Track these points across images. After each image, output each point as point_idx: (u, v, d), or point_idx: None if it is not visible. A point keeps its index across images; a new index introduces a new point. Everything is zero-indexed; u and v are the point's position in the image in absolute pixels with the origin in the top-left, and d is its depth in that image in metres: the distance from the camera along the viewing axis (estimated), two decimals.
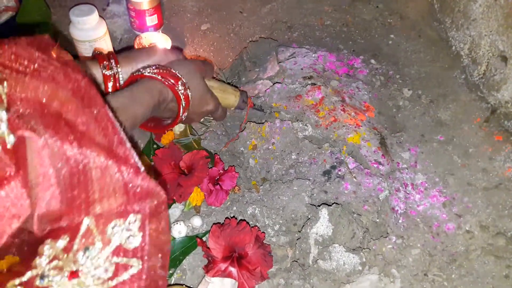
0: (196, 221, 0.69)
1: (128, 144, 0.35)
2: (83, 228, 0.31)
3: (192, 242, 0.66)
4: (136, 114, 0.50)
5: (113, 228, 0.32)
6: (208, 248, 0.61)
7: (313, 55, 0.91)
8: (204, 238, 0.66)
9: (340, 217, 0.67)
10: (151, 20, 0.95)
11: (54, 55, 0.37)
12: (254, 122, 0.79)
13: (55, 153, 0.30)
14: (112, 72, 0.56)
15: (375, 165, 0.74)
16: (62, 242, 0.31)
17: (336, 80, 0.87)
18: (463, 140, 0.82)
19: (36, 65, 0.35)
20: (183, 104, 0.56)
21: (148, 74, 0.54)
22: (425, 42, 1.04)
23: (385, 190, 0.71)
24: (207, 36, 1.03)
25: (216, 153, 0.77)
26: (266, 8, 1.13)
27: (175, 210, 0.69)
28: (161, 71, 0.55)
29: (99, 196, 0.32)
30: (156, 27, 0.98)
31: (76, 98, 0.35)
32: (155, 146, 0.80)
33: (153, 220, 0.34)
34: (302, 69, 0.87)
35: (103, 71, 0.56)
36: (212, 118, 0.69)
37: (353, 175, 0.72)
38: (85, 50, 0.85)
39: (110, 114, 0.36)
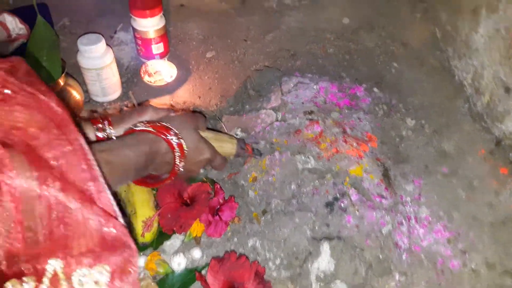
0: (196, 253, 0.66)
1: (102, 182, 0.33)
2: (49, 272, 0.28)
3: (191, 275, 0.63)
4: (127, 158, 0.48)
5: (80, 278, 0.29)
6: (207, 283, 0.58)
7: (315, 87, 0.89)
8: (203, 271, 0.63)
9: (342, 252, 0.64)
10: (157, 48, 0.95)
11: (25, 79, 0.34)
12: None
13: (23, 189, 0.28)
14: (105, 133, 0.55)
15: (378, 199, 0.71)
16: (27, 286, 0.28)
17: (337, 112, 0.85)
18: (468, 172, 0.80)
19: (7, 90, 0.32)
20: (178, 153, 0.55)
21: (139, 128, 0.53)
22: (428, 71, 1.02)
23: (388, 224, 0.68)
24: (212, 63, 1.03)
25: (217, 182, 0.74)
26: (270, 36, 1.12)
27: (176, 241, 0.67)
28: (152, 124, 0.54)
29: (66, 240, 0.29)
30: (162, 55, 0.97)
31: (48, 128, 0.32)
32: None
33: (122, 277, 0.31)
34: (303, 103, 0.85)
35: (96, 133, 0.55)
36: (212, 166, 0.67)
37: (356, 207, 0.69)
38: (92, 78, 0.84)
39: (86, 147, 0.34)
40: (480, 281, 0.65)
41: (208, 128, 0.66)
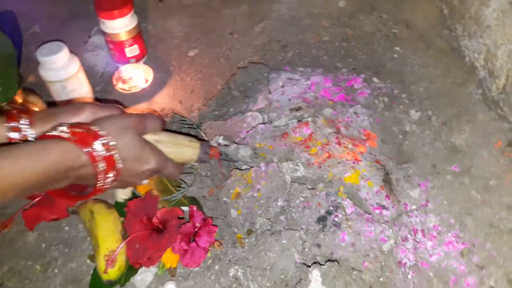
0: (171, 287, 0.59)
1: None
2: None
3: None
4: (22, 171, 0.39)
5: None
6: None
7: (305, 83, 0.79)
8: None
9: (336, 279, 0.55)
10: (131, 51, 0.87)
11: None
12: (238, 168, 0.69)
13: None
14: (20, 135, 0.46)
15: (378, 211, 0.62)
16: None
17: (330, 107, 0.75)
18: (482, 171, 0.69)
19: None
20: (103, 167, 0.45)
21: (53, 134, 0.43)
22: (435, 54, 0.90)
23: (389, 240, 0.59)
24: (195, 62, 0.94)
25: (193, 203, 0.66)
26: (259, 27, 1.02)
27: (147, 275, 0.60)
28: (75, 129, 0.43)
29: None
30: (138, 58, 0.89)
31: None
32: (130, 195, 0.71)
33: None
34: (289, 99, 0.76)
35: (8, 133, 0.45)
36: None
37: (350, 223, 0.60)
38: (57, 91, 0.76)
39: None
40: None
41: (167, 130, 0.57)
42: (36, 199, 0.67)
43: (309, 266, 0.56)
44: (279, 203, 0.64)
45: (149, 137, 0.53)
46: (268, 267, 0.58)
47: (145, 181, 0.54)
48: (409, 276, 0.58)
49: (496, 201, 0.65)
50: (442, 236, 0.62)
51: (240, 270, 0.58)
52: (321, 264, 0.56)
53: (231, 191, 0.67)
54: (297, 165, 0.68)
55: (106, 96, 0.86)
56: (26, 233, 0.67)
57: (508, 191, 0.66)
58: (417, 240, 0.61)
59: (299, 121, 0.73)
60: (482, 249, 0.60)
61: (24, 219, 0.66)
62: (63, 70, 0.74)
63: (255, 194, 0.65)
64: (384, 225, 0.60)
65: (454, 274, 0.59)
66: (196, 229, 0.61)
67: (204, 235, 0.59)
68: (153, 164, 0.51)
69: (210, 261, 0.61)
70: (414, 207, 0.65)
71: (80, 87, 0.78)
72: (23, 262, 0.64)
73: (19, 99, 0.71)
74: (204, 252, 0.59)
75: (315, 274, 0.55)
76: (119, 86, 0.84)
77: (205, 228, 0.60)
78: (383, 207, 0.63)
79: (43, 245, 0.66)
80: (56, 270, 0.62)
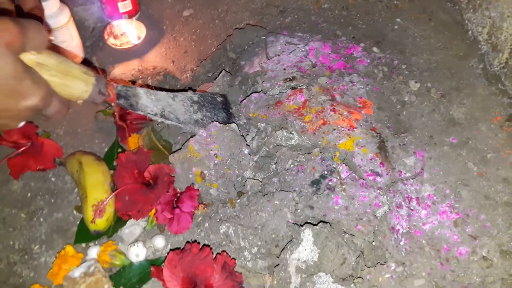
0: (159, 242, 0.57)
1: None
2: None
3: (151, 268, 0.54)
4: None
5: None
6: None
7: (304, 48, 0.76)
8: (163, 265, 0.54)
9: (328, 239, 0.54)
10: (124, 6, 0.82)
11: None
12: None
13: None
14: None
15: (371, 177, 0.60)
16: None
17: (326, 76, 0.72)
18: (480, 143, 0.68)
19: None
20: None
21: None
22: (437, 26, 0.88)
23: (383, 206, 0.58)
24: (189, 23, 0.90)
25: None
26: None
27: (136, 228, 0.58)
28: None
29: None
30: (131, 14, 0.85)
31: None
32: (120, 150, 0.68)
33: None
34: (284, 69, 0.73)
35: None
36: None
37: (344, 187, 0.58)
38: None
39: None
40: (493, 271, 0.55)
41: (52, 51, 0.40)
42: (22, 148, 0.65)
43: (301, 226, 0.55)
44: (272, 166, 0.62)
45: (29, 57, 0.38)
46: (260, 226, 0.57)
47: (21, 124, 0.40)
48: (402, 243, 0.57)
49: (492, 174, 0.64)
50: (436, 205, 0.61)
51: (231, 227, 0.56)
52: (313, 225, 0.55)
53: (191, 176, 0.61)
54: (291, 133, 0.66)
55: (96, 52, 0.82)
56: (11, 181, 0.64)
57: (505, 165, 0.65)
58: (411, 208, 0.60)
59: (293, 88, 0.70)
60: (476, 220, 0.60)
61: (9, 167, 0.63)
62: (53, 19, 0.70)
63: (216, 161, 0.62)
64: (378, 191, 0.59)
65: (447, 243, 0.58)
66: (177, 196, 0.58)
67: (186, 200, 0.57)
68: (35, 100, 0.37)
69: (200, 218, 0.59)
70: (409, 174, 0.63)
71: (70, 39, 0.74)
72: (7, 209, 0.62)
73: None
74: (190, 216, 0.57)
75: (307, 234, 0.53)
76: (111, 41, 0.81)
77: (186, 193, 0.57)
78: (377, 173, 0.61)
79: (29, 194, 0.63)
80: (41, 219, 0.60)
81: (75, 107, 0.75)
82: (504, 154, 0.66)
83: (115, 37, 0.82)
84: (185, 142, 0.62)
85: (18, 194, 0.65)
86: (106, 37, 0.81)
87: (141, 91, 0.54)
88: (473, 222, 0.59)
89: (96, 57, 0.80)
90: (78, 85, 0.43)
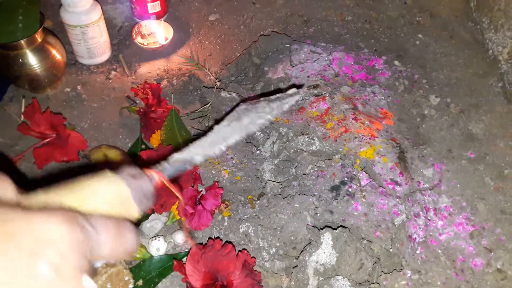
0: (179, 238, 0.59)
1: None
2: None
3: (171, 262, 0.56)
4: None
5: None
6: (186, 273, 0.51)
7: (327, 58, 0.80)
8: (185, 259, 0.56)
9: (347, 244, 0.56)
10: (153, 7, 0.86)
11: None
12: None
13: None
14: None
15: (391, 186, 0.62)
16: None
17: (348, 86, 0.75)
18: (498, 159, 0.70)
19: None
20: None
21: None
22: (458, 44, 0.91)
23: (402, 214, 0.60)
24: (214, 27, 0.94)
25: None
26: None
27: (157, 223, 0.60)
28: None
29: None
30: (159, 15, 0.88)
31: None
32: (143, 146, 0.71)
33: None
34: (308, 77, 0.76)
35: None
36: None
37: (363, 193, 0.61)
38: (76, 37, 0.76)
39: None
40: (507, 284, 0.56)
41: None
42: (48, 139, 0.67)
43: (321, 229, 0.57)
44: (292, 170, 0.64)
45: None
46: (279, 227, 0.59)
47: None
48: (418, 251, 0.59)
49: (509, 189, 0.66)
50: (453, 217, 0.63)
51: (251, 227, 0.59)
52: (333, 229, 0.57)
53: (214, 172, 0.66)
54: (313, 139, 0.68)
55: (123, 49, 0.85)
56: (35, 171, 0.67)
57: None
58: (429, 218, 0.62)
59: (316, 95, 0.73)
60: (492, 233, 0.61)
61: (35, 156, 0.66)
62: (85, 15, 0.74)
63: (234, 162, 0.65)
64: (397, 199, 0.61)
65: (462, 254, 0.59)
66: (201, 193, 0.60)
67: (210, 198, 0.59)
68: None
69: (220, 216, 0.62)
70: (427, 185, 0.65)
71: (100, 35, 0.77)
72: None
73: (38, 38, 0.70)
74: (211, 214, 0.59)
75: (326, 237, 0.55)
76: (138, 40, 0.84)
77: (211, 190, 0.60)
78: (397, 183, 0.64)
79: (51, 185, 0.66)
80: None
81: (101, 102, 0.78)
82: None
83: (143, 36, 0.85)
84: None
85: (41, 184, 0.67)
86: (134, 36, 0.84)
87: (195, 155, 0.37)
88: (488, 235, 0.61)
89: (123, 54, 0.84)
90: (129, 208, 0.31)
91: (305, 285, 0.55)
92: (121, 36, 0.89)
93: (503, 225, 0.62)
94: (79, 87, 0.79)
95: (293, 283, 0.56)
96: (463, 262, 0.59)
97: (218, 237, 0.59)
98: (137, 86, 0.75)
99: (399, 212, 0.60)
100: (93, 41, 0.77)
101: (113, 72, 0.81)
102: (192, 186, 0.59)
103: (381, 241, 0.58)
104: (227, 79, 0.84)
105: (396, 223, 0.59)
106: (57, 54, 0.73)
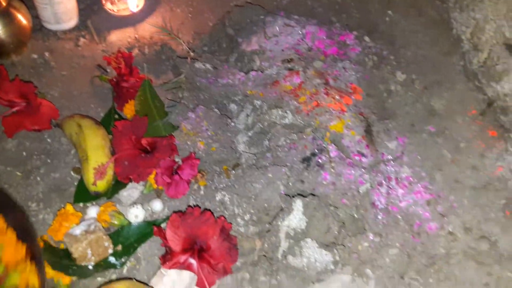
0: (156, 205, 0.63)
1: None
2: None
3: (149, 228, 0.61)
4: None
5: None
6: (166, 238, 0.56)
7: (301, 31, 0.84)
8: (163, 225, 0.61)
9: (316, 210, 0.63)
10: None
11: None
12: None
13: None
14: None
15: (358, 157, 0.69)
16: None
17: (321, 60, 0.80)
18: (455, 133, 0.78)
19: None
20: None
21: None
22: (425, 22, 0.98)
23: (366, 183, 0.67)
24: None
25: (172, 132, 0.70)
26: None
27: (134, 191, 0.64)
28: None
29: None
30: None
31: None
32: (116, 116, 0.74)
33: None
34: (282, 50, 0.80)
35: None
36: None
37: (333, 164, 0.67)
38: (42, 1, 0.76)
39: None
40: (456, 245, 0.66)
41: None
42: (16, 108, 0.68)
43: (293, 197, 0.63)
44: (265, 142, 0.70)
45: None
46: (253, 196, 0.65)
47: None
48: (380, 217, 0.67)
49: (463, 161, 0.75)
50: (412, 186, 0.71)
51: (227, 195, 0.64)
52: (304, 196, 0.63)
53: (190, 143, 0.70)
54: (286, 112, 0.74)
55: (91, 15, 0.85)
56: (5, 139, 0.68)
57: (474, 154, 0.76)
58: (391, 186, 0.70)
59: (290, 69, 0.78)
60: (446, 201, 0.70)
61: (3, 125, 0.67)
62: None
63: (209, 133, 0.71)
64: (363, 170, 0.68)
65: (419, 219, 0.68)
66: (177, 164, 0.64)
67: (187, 168, 0.63)
68: None
69: (196, 185, 0.66)
70: (390, 157, 0.73)
71: (66, 0, 0.77)
72: (2, 167, 0.66)
73: (3, 2, 0.70)
74: (187, 184, 0.63)
75: (298, 204, 0.62)
76: (108, 6, 0.85)
77: (187, 161, 0.64)
78: (363, 154, 0.71)
79: (24, 153, 0.68)
80: (38, 178, 0.65)
81: (70, 71, 0.79)
82: (475, 144, 0.77)
83: (112, 2, 0.86)
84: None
85: (12, 153, 0.69)
86: (103, 2, 0.84)
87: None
88: (443, 202, 0.70)
89: (91, 20, 0.84)
90: None
91: (277, 247, 0.62)
92: (89, 1, 0.88)
93: (456, 194, 0.71)
94: (46, 53, 0.79)
95: (266, 245, 0.62)
96: (420, 226, 0.67)
97: (196, 205, 0.64)
98: (110, 55, 0.76)
99: (364, 181, 0.67)
100: (60, 6, 0.78)
101: (82, 39, 0.82)
102: (169, 157, 0.63)
103: (347, 208, 0.65)
104: (200, 50, 0.87)
105: (361, 191, 0.67)
106: (22, 19, 0.73)
